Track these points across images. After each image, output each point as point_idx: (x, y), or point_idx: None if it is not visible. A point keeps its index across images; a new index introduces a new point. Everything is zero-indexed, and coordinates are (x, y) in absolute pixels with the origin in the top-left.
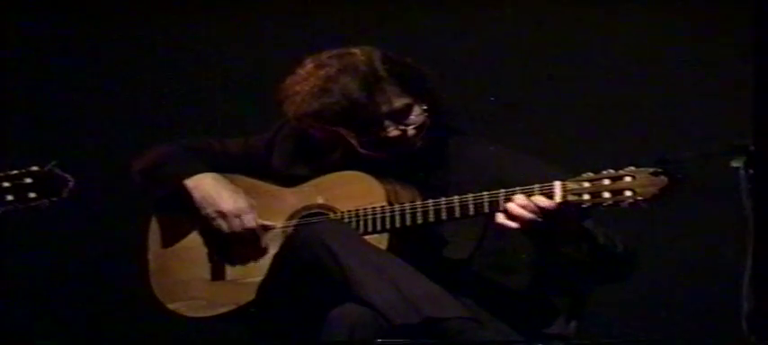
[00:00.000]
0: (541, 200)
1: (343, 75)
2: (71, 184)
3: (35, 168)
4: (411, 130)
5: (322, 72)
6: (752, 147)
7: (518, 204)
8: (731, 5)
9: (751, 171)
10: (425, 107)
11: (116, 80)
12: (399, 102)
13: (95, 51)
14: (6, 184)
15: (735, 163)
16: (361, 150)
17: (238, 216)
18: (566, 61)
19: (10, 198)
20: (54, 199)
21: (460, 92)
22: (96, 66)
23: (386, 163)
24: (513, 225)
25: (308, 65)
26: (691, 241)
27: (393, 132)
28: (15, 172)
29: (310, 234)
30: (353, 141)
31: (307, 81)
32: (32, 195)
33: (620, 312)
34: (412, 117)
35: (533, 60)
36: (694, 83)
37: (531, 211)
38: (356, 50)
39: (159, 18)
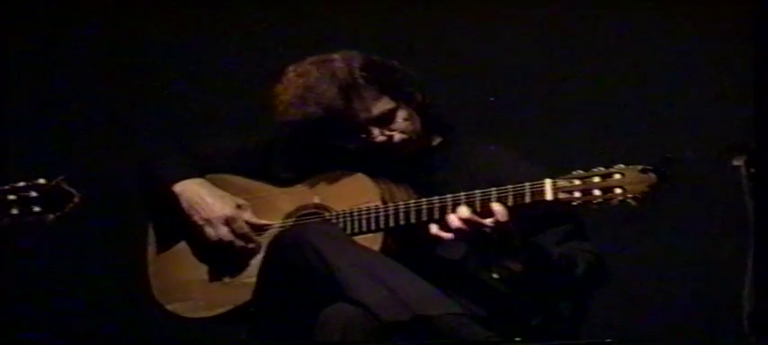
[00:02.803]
0: (465, 213)
1: (321, 84)
2: (77, 200)
3: (42, 181)
4: (397, 135)
5: (301, 80)
6: (753, 146)
7: (454, 217)
8: (731, 5)
9: (752, 170)
10: (411, 111)
11: (116, 80)
12: (379, 109)
13: (95, 53)
14: (12, 197)
15: (736, 162)
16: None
17: (225, 223)
18: (565, 61)
19: (14, 211)
20: (58, 213)
21: (459, 91)
22: (96, 67)
23: (382, 163)
24: (447, 235)
25: (290, 72)
26: (691, 241)
27: (379, 138)
28: (22, 184)
29: (297, 235)
30: (340, 147)
31: (287, 90)
32: (37, 209)
33: (620, 312)
34: (398, 122)
35: (532, 61)
36: (694, 82)
37: (463, 224)
38: (336, 56)
39: (159, 18)
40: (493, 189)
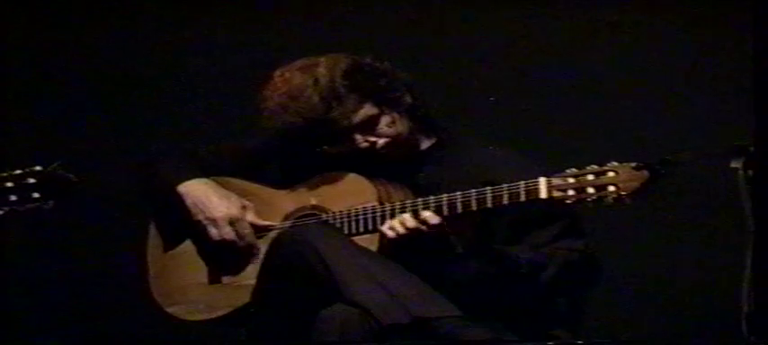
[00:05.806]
0: (409, 220)
1: (303, 92)
2: (75, 185)
3: (39, 168)
4: (381, 141)
5: (285, 88)
6: (751, 148)
7: (395, 222)
8: (731, 6)
9: (750, 171)
10: (396, 115)
11: (117, 80)
12: (361, 116)
13: (96, 50)
14: (9, 184)
15: (734, 164)
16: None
17: (229, 223)
18: (565, 62)
19: (13, 198)
20: (57, 199)
21: (455, 92)
22: (97, 65)
23: (373, 167)
24: (390, 235)
25: (276, 78)
26: (689, 242)
27: (362, 144)
28: (18, 172)
29: (297, 236)
30: (325, 152)
31: (272, 97)
32: (36, 195)
33: (619, 312)
34: (381, 128)
35: (532, 61)
36: (694, 83)
37: (405, 230)
38: (321, 60)
39: (159, 17)
40: (488, 187)
